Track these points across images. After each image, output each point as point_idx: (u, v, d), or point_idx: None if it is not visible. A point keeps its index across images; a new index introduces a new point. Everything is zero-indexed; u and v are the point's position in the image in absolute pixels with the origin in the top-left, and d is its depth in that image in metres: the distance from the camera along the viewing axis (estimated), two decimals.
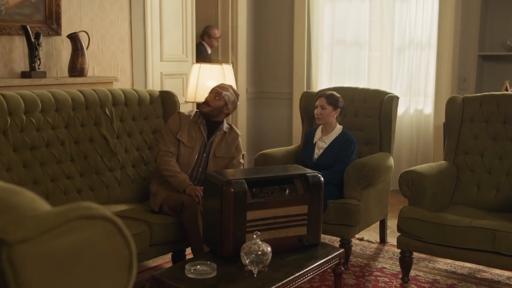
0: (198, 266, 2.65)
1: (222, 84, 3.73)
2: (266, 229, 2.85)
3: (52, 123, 3.48)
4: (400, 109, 5.76)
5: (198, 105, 3.67)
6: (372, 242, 4.33)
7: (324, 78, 6.26)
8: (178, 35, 5.68)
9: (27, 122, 3.35)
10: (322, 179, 3.00)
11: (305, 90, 6.09)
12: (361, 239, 4.37)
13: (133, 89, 4.02)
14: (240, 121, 6.54)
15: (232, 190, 2.75)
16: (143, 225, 3.23)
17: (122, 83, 4.96)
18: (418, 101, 5.75)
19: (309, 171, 3.04)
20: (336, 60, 6.15)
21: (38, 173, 3.37)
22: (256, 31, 6.60)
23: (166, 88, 5.36)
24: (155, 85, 5.42)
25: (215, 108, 3.56)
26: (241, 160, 3.69)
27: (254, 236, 2.63)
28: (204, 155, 3.58)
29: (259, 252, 2.60)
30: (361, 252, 4.12)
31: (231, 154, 3.64)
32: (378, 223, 4.29)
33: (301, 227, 2.95)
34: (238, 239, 2.76)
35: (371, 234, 4.46)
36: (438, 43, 5.48)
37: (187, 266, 2.62)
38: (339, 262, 3.00)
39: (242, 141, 6.64)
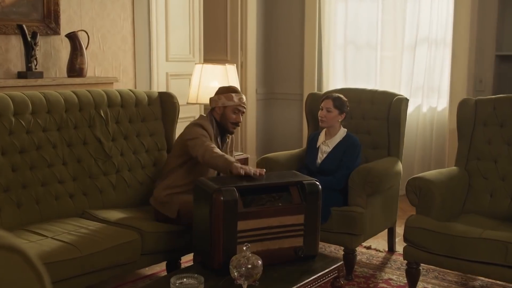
0: (185, 279, 2.49)
1: (241, 96, 3.42)
2: (259, 240, 2.68)
3: (43, 125, 3.36)
4: (414, 112, 5.57)
5: (229, 127, 3.40)
6: (379, 251, 4.13)
7: (335, 79, 6.07)
8: (185, 34, 5.55)
9: (16, 124, 3.23)
10: (320, 187, 2.82)
11: (315, 91, 5.91)
12: (368, 248, 4.18)
13: (130, 90, 3.87)
14: (249, 123, 6.38)
15: (222, 198, 2.58)
16: (135, 233, 3.08)
17: (125, 84, 4.83)
18: (432, 103, 5.53)
19: (306, 178, 2.86)
20: (348, 61, 5.96)
21: (27, 177, 3.25)
22: (266, 30, 6.43)
23: (172, 89, 5.23)
24: (160, 86, 5.30)
25: None
26: None
27: (244, 248, 2.46)
28: None
29: (249, 266, 2.43)
30: (367, 261, 3.93)
31: (233, 158, 3.49)
32: (387, 230, 4.10)
33: (297, 238, 2.77)
34: (228, 250, 2.60)
35: (379, 242, 4.27)
36: (453, 43, 5.25)
37: (172, 279, 2.47)
38: (338, 276, 2.82)
39: (251, 143, 6.55)
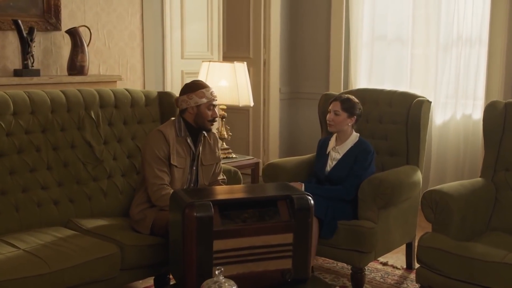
0: None
1: (211, 90, 3.17)
2: (240, 262, 2.37)
3: (25, 127, 3.14)
4: (446, 115, 5.15)
5: (206, 125, 3.14)
6: (397, 268, 3.76)
7: (363, 78, 5.68)
8: (203, 29, 5.28)
9: None
10: (311, 202, 2.49)
11: (342, 90, 5.55)
12: (385, 264, 3.81)
13: (127, 90, 3.62)
14: (272, 124, 6.08)
15: (195, 214, 2.29)
16: (113, 247, 2.81)
17: (132, 82, 4.60)
18: (466, 105, 5.06)
19: (296, 192, 2.53)
20: (376, 59, 5.55)
21: (7, 183, 3.03)
22: (291, 26, 6.09)
23: None
24: (174, 85, 5.05)
25: None
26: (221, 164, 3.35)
27: (216, 273, 2.16)
28: (194, 168, 3.14)
29: None
30: (381, 280, 3.56)
31: (216, 159, 3.24)
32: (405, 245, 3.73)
33: (284, 260, 2.45)
34: (203, 273, 2.30)
35: (398, 257, 3.89)
36: (489, 39, 4.80)
37: None
38: None
39: (274, 145, 6.22)
